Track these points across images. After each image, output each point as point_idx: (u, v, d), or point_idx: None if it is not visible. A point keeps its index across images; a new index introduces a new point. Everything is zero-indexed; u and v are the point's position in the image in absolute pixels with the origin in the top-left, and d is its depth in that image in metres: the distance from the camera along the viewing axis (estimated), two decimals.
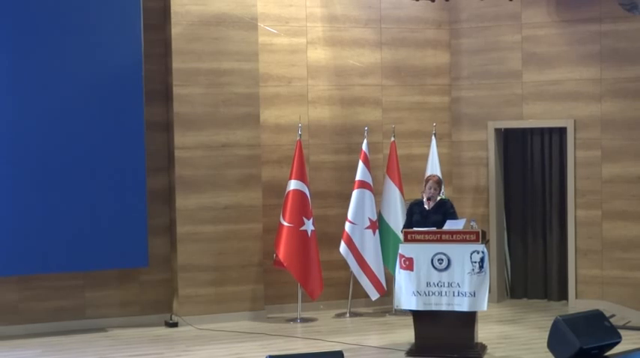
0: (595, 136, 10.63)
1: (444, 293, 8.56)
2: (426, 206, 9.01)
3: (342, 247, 10.37)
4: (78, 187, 9.74)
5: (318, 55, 10.87)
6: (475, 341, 8.73)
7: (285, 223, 10.23)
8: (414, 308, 8.66)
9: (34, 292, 9.92)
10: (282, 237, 10.22)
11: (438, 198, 9.09)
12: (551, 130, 11.05)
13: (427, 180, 9.18)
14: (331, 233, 10.67)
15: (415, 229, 8.85)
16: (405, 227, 9.07)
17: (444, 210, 8.97)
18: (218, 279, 10.28)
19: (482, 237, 8.61)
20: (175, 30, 10.11)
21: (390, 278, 10.05)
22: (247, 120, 10.35)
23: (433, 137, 10.71)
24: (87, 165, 9.78)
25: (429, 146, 10.72)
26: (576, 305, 10.55)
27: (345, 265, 10.48)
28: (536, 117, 10.96)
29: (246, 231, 10.35)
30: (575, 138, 10.75)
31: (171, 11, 10.09)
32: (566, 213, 10.90)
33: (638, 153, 10.24)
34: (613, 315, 9.57)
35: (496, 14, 10.99)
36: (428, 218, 8.90)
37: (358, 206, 10.37)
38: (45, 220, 9.65)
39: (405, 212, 9.68)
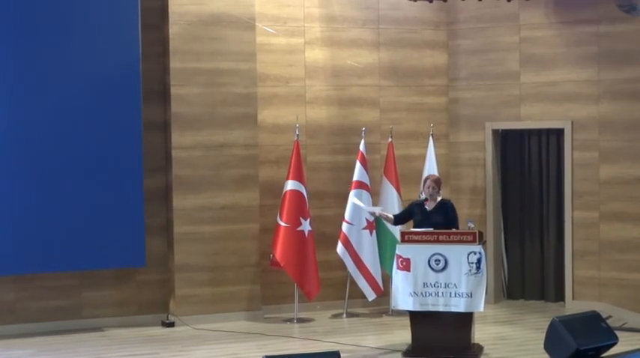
0: (593, 137, 10.63)
1: (440, 294, 8.56)
2: (426, 206, 9.00)
3: (339, 248, 10.37)
4: (75, 187, 9.73)
5: (316, 55, 10.87)
6: (472, 342, 8.74)
7: (282, 223, 10.23)
8: (410, 308, 8.66)
9: (31, 292, 9.91)
10: (279, 238, 10.22)
11: (439, 198, 9.08)
12: (548, 131, 11.05)
13: (425, 180, 9.18)
14: (328, 233, 10.66)
15: (412, 230, 8.86)
16: (396, 216, 9.18)
17: (445, 212, 8.95)
18: (215, 279, 10.27)
19: (479, 238, 8.61)
20: (173, 30, 10.11)
21: (387, 279, 10.05)
22: (245, 121, 10.35)
23: (431, 138, 10.71)
24: (84, 164, 9.77)
25: (426, 147, 10.71)
26: (573, 306, 10.55)
27: (342, 265, 10.47)
28: (533, 118, 10.96)
29: (244, 231, 10.34)
30: (572, 139, 10.76)
31: (169, 11, 10.08)
32: (563, 215, 10.90)
33: (635, 154, 10.25)
34: (610, 317, 9.56)
35: (494, 15, 10.99)
36: (429, 219, 8.88)
37: (355, 206, 10.36)
38: (42, 220, 9.64)
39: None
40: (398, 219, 9.20)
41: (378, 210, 9.50)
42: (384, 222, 10.32)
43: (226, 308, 10.30)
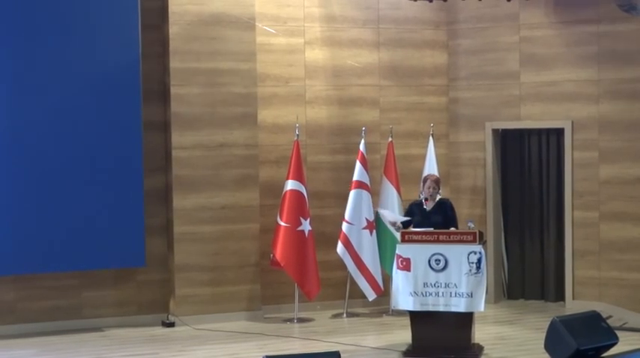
0: (593, 137, 10.63)
1: (441, 294, 8.56)
2: (425, 206, 9.00)
3: (339, 247, 10.36)
4: (75, 187, 9.73)
5: (316, 55, 10.86)
6: (472, 342, 8.74)
7: (282, 223, 10.23)
8: (411, 308, 8.66)
9: (31, 292, 9.91)
10: (279, 237, 10.22)
11: (438, 197, 9.07)
12: (548, 131, 11.05)
13: (425, 180, 9.17)
14: (328, 233, 10.66)
15: (412, 230, 8.86)
16: (403, 223, 9.10)
17: (444, 211, 8.96)
18: (215, 279, 10.27)
19: (479, 238, 8.60)
20: (173, 30, 10.11)
21: (387, 279, 10.05)
22: (245, 120, 10.35)
23: (431, 137, 10.71)
24: (84, 164, 9.77)
25: (426, 146, 10.71)
26: (573, 306, 10.55)
27: (342, 265, 10.47)
28: (533, 118, 10.96)
29: (244, 231, 10.34)
30: (572, 139, 10.75)
31: (169, 11, 10.08)
32: (563, 214, 10.90)
33: (635, 154, 10.24)
34: (610, 316, 9.57)
35: (494, 15, 10.98)
36: (428, 218, 8.88)
37: (355, 206, 10.37)
38: (42, 220, 9.64)
39: (403, 212, 9.69)
40: (405, 225, 9.12)
41: (399, 221, 9.19)
42: (384, 222, 10.39)
43: (226, 308, 10.30)
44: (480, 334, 9.10)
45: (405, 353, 8.74)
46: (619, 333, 7.62)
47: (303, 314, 10.44)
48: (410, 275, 8.62)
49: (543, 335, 7.62)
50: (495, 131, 11.17)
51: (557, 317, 7.52)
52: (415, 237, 8.69)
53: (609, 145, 10.50)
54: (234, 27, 10.28)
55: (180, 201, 10.16)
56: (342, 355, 6.68)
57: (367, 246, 10.39)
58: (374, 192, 10.53)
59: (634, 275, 10.25)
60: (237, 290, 10.35)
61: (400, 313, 9.76)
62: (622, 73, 10.35)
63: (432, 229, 8.72)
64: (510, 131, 11.22)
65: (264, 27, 10.58)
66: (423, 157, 10.69)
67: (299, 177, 10.29)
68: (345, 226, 10.38)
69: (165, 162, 10.32)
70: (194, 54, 10.17)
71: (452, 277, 8.53)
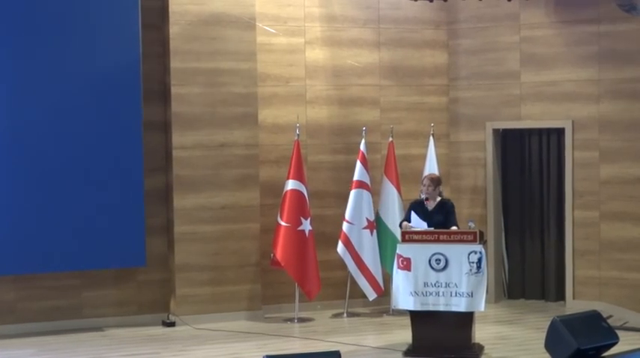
0: (593, 137, 10.63)
1: (441, 294, 8.56)
2: (427, 206, 8.99)
3: (340, 247, 10.36)
4: (75, 187, 9.73)
5: (317, 54, 10.86)
6: (472, 341, 8.74)
7: (283, 223, 10.22)
8: (411, 308, 8.66)
9: (31, 291, 9.91)
10: (280, 237, 10.22)
11: (439, 197, 9.07)
12: (549, 131, 11.05)
13: (423, 179, 9.19)
14: (329, 233, 10.66)
15: (413, 229, 8.85)
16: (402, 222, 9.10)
17: (445, 211, 8.95)
18: (215, 279, 10.27)
19: (479, 238, 8.60)
20: (173, 29, 10.11)
21: (388, 279, 10.04)
22: (245, 120, 10.35)
23: (431, 137, 10.71)
24: (85, 164, 9.77)
25: (426, 146, 10.71)
26: (574, 305, 10.54)
27: (342, 265, 10.47)
28: (534, 117, 10.96)
29: (244, 231, 10.34)
30: (573, 139, 10.75)
31: (170, 11, 10.08)
32: (563, 214, 10.90)
33: (636, 154, 10.24)
34: (610, 316, 9.57)
35: (494, 15, 10.98)
36: (430, 218, 8.88)
37: (356, 206, 10.37)
38: (42, 219, 9.64)
39: (404, 212, 9.68)
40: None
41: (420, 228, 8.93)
42: (384, 222, 10.41)
43: (227, 308, 10.30)
44: (481, 334, 9.10)
45: (406, 353, 8.74)
46: (619, 333, 7.61)
47: (303, 314, 10.44)
48: (410, 275, 8.62)
49: (544, 335, 7.61)
50: (496, 131, 11.17)
51: (557, 316, 7.52)
52: (415, 237, 8.69)
53: (609, 145, 10.50)
54: (235, 27, 10.28)
55: (181, 201, 10.16)
56: (342, 355, 6.67)
57: (367, 246, 10.38)
58: (374, 191, 10.53)
59: (634, 275, 10.25)
60: (237, 289, 10.35)
61: (400, 313, 9.76)
62: (622, 72, 10.35)
63: (432, 229, 8.72)
64: (511, 131, 11.22)
65: (265, 27, 10.58)
66: (424, 157, 10.69)
67: (299, 177, 10.29)
68: (345, 226, 10.38)
69: (166, 162, 10.32)
70: (194, 54, 10.17)
71: (452, 277, 8.53)
